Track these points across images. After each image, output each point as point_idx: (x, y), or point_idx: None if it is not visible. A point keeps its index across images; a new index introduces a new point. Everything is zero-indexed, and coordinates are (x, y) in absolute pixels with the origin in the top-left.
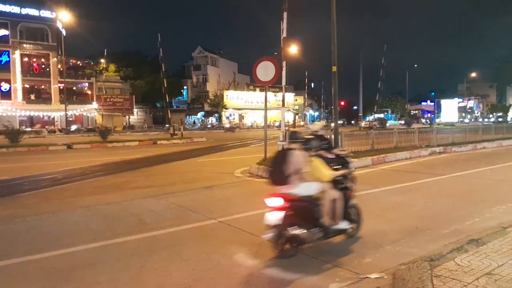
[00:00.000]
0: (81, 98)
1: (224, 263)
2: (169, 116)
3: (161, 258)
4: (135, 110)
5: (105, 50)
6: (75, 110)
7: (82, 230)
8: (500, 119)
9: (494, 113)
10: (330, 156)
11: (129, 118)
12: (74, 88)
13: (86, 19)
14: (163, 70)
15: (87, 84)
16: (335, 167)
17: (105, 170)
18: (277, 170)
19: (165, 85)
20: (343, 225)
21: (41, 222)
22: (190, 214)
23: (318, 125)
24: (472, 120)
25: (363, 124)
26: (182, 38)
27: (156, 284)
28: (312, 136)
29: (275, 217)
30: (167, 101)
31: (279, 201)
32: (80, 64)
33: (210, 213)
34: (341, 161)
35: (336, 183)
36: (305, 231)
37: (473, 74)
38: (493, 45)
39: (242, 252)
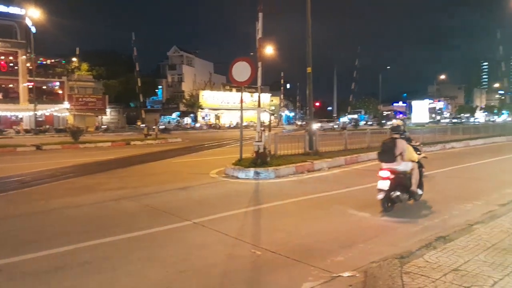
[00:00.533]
0: (52, 97)
1: (199, 264)
2: (143, 116)
3: (135, 260)
4: (108, 110)
5: (77, 48)
6: (46, 110)
7: (51, 233)
8: (454, 120)
9: (462, 114)
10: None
11: (102, 118)
12: (44, 87)
13: (57, 16)
14: (137, 69)
15: (58, 83)
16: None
17: (77, 172)
18: (387, 152)
19: (139, 85)
20: (420, 191)
21: (7, 227)
22: (165, 215)
23: (399, 122)
24: (441, 120)
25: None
26: (157, 38)
27: (130, 287)
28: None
29: (385, 184)
30: (141, 101)
31: (388, 174)
32: (51, 63)
33: (185, 215)
34: (415, 148)
35: (418, 163)
36: (402, 193)
37: (442, 76)
38: (461, 48)
39: (218, 252)
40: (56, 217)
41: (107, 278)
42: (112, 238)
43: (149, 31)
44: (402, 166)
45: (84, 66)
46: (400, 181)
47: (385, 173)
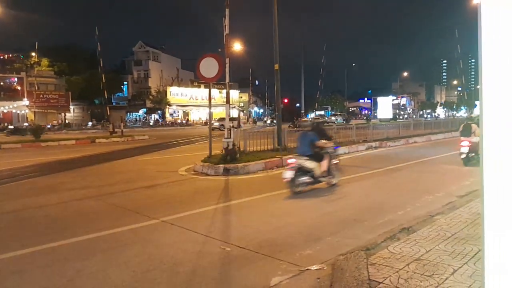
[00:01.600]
0: (10, 94)
1: (166, 263)
2: (108, 113)
3: (99, 261)
4: (71, 107)
5: (36, 43)
6: (3, 107)
7: (10, 236)
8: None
9: (424, 110)
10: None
11: (65, 115)
12: (2, 83)
13: (15, 9)
14: (101, 65)
15: (16, 79)
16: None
17: (38, 171)
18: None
19: (104, 81)
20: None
21: None
22: (131, 214)
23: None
24: (406, 116)
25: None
26: (122, 33)
27: None
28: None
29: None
30: (106, 97)
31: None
32: (8, 58)
33: (153, 213)
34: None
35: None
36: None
37: (405, 74)
38: (422, 46)
39: (187, 250)
40: (14, 219)
41: (69, 281)
42: (75, 239)
43: (114, 26)
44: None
45: (45, 61)
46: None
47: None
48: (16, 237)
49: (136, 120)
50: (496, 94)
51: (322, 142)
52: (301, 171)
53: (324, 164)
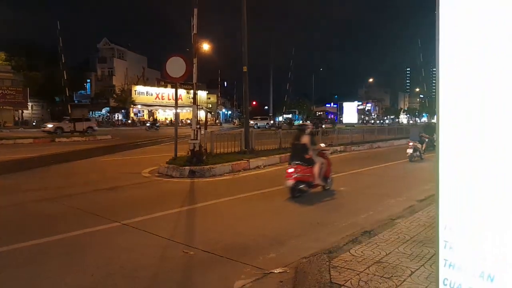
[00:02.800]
0: None
1: (127, 268)
2: (70, 112)
3: (56, 266)
4: (29, 104)
5: None
6: None
7: None
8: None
9: (388, 116)
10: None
11: (22, 112)
12: None
13: None
14: (63, 61)
15: None
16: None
17: None
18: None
19: (65, 78)
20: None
21: None
22: (91, 217)
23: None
24: (372, 121)
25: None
26: (86, 29)
27: None
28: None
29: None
30: (68, 95)
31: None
32: None
33: (114, 216)
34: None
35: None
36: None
37: (371, 80)
38: (388, 54)
39: (149, 254)
40: None
41: (24, 285)
42: (30, 242)
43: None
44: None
45: (1, 55)
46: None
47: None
48: None
49: (102, 120)
50: (450, 101)
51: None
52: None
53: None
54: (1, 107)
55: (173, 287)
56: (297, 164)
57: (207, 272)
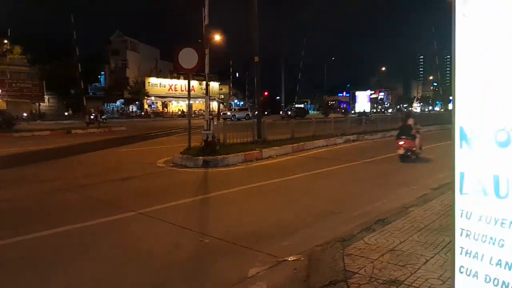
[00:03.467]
0: None
1: (143, 255)
2: (85, 104)
3: (73, 254)
4: (46, 97)
5: (9, 30)
6: None
7: None
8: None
9: (401, 104)
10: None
11: (39, 105)
12: None
13: None
14: (77, 54)
15: None
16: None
17: (10, 162)
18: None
19: (80, 71)
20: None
21: None
22: (107, 207)
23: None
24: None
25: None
26: (100, 21)
27: (66, 283)
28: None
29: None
30: (82, 87)
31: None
32: None
33: (129, 205)
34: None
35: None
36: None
37: (383, 68)
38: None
39: (164, 242)
40: None
41: (40, 275)
42: (47, 232)
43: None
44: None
45: (17, 49)
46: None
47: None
48: None
49: (114, 111)
50: (467, 89)
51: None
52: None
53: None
54: (19, 100)
55: (188, 275)
56: (404, 138)
57: (221, 259)
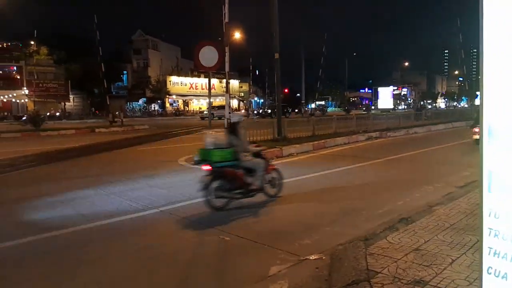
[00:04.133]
0: (9, 83)
1: (166, 252)
2: (108, 103)
3: (99, 250)
4: (71, 97)
5: (35, 31)
6: (2, 96)
7: (10, 224)
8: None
9: (425, 100)
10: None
11: (64, 105)
12: (1, 72)
13: None
14: (101, 54)
15: (15, 68)
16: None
17: (38, 160)
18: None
19: (103, 70)
20: None
21: None
22: (130, 204)
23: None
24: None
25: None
26: (121, 21)
27: (92, 277)
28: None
29: None
30: (106, 86)
31: None
32: (7, 46)
33: (152, 203)
34: None
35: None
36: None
37: (406, 63)
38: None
39: (186, 239)
40: (15, 208)
41: (69, 269)
42: (73, 228)
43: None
44: None
45: (44, 50)
46: None
47: None
48: (16, 225)
49: (135, 110)
50: (497, 84)
51: None
52: None
53: None
54: (45, 100)
55: (210, 271)
56: (478, 126)
57: (242, 257)
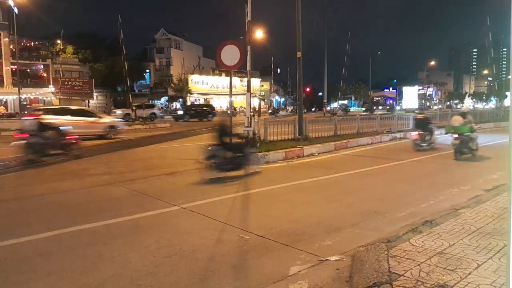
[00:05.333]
0: (36, 81)
1: (186, 249)
2: (131, 101)
3: (120, 245)
4: (95, 94)
5: (62, 30)
6: (30, 93)
7: (36, 219)
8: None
9: (451, 100)
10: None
11: (88, 102)
12: (28, 70)
13: None
14: (124, 52)
15: (42, 66)
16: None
17: (62, 157)
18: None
19: (126, 68)
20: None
21: None
22: (152, 201)
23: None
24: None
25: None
26: (144, 20)
27: (113, 272)
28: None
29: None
30: (129, 85)
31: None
32: (35, 45)
33: (173, 200)
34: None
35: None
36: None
37: (432, 63)
38: (451, 34)
39: (206, 237)
40: (40, 203)
41: (91, 263)
42: (97, 223)
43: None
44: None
45: (69, 49)
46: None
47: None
48: (42, 220)
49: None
50: None
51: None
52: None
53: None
54: (71, 97)
55: (230, 270)
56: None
57: (262, 256)
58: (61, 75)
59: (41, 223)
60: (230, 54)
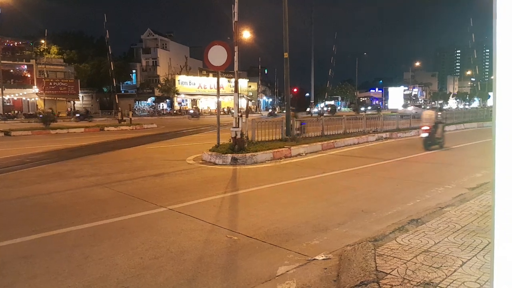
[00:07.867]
0: (20, 81)
1: (173, 251)
2: (117, 101)
3: (107, 248)
4: (80, 95)
5: (46, 30)
6: (13, 94)
7: (19, 221)
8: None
9: (436, 100)
10: None
11: (74, 103)
12: (12, 70)
13: None
14: (110, 52)
15: (26, 67)
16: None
17: (47, 158)
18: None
19: (112, 69)
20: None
21: None
22: (139, 202)
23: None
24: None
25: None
26: (131, 20)
27: (100, 275)
28: None
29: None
30: (115, 85)
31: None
32: (18, 45)
33: (160, 201)
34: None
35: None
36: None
37: (417, 63)
38: (434, 35)
39: (194, 238)
40: (24, 205)
41: (77, 266)
42: (83, 225)
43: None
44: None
45: (54, 49)
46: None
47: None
48: (25, 222)
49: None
50: (509, 85)
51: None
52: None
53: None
54: (55, 98)
55: (218, 271)
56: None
57: (250, 257)
58: (46, 76)
59: (25, 226)
60: (217, 54)
